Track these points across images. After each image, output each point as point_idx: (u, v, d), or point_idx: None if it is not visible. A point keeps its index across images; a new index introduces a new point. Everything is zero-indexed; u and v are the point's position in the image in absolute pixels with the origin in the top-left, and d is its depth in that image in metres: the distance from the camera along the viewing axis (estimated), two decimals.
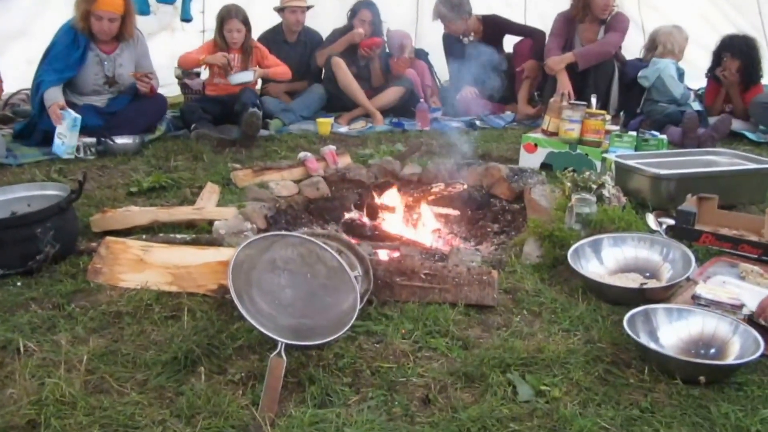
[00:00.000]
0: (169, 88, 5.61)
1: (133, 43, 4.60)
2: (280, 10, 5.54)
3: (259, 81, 5.35)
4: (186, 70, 5.26)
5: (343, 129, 5.09)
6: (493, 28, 5.83)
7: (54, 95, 4.23)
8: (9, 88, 4.95)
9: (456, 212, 3.44)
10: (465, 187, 3.48)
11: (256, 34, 5.24)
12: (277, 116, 5.11)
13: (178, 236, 2.66)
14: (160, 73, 5.02)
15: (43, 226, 2.39)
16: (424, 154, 4.19)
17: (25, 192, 2.69)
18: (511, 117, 5.55)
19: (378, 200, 3.41)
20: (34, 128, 4.41)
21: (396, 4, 6.40)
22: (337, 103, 5.47)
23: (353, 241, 2.55)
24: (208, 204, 3.10)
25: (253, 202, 3.17)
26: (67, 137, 3.98)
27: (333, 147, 3.95)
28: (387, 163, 3.74)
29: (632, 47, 5.67)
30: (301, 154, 3.76)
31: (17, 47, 5.29)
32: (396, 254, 2.73)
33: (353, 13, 5.63)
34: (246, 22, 4.97)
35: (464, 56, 5.68)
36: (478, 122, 5.42)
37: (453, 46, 5.85)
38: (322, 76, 5.57)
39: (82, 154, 4.08)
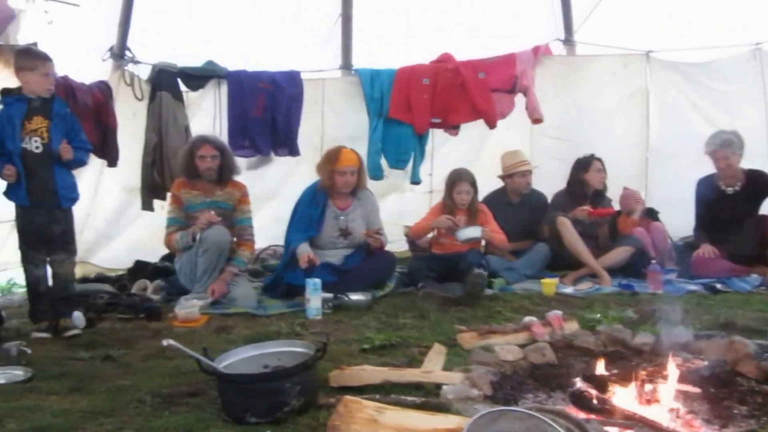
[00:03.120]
0: (397, 244, 5.99)
1: (364, 199, 5.10)
2: (508, 176, 5.76)
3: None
4: (417, 239, 5.60)
5: (569, 290, 5.04)
6: (757, 184, 5.31)
7: (303, 248, 4.84)
8: (260, 244, 5.59)
9: (695, 389, 3.19)
10: (705, 362, 3.25)
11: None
12: (501, 275, 5.21)
13: (409, 398, 2.75)
14: (389, 230, 5.41)
15: (291, 381, 2.61)
16: (656, 321, 4.00)
17: (275, 348, 2.98)
18: (758, 281, 5.08)
19: (607, 371, 3.28)
20: (279, 282, 4.94)
21: (627, 158, 6.41)
22: (562, 261, 5.45)
23: (582, 416, 2.46)
24: (435, 366, 3.19)
25: (479, 366, 3.20)
26: (311, 300, 4.35)
27: (559, 312, 3.91)
28: (616, 331, 3.61)
29: None
30: (526, 319, 3.78)
31: (268, 208, 5.99)
32: None
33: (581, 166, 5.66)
34: (474, 185, 5.25)
35: (720, 206, 5.30)
36: (718, 285, 5.00)
37: (710, 191, 5.36)
38: (546, 235, 5.62)
39: (321, 309, 4.42)
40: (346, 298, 4.52)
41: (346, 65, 6.57)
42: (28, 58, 4.05)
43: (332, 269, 4.85)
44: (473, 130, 6.28)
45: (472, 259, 4.82)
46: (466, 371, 3.08)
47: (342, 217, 5.03)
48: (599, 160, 5.65)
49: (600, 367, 3.31)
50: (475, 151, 6.52)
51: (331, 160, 5.00)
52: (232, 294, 4.68)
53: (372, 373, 3.00)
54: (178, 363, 3.33)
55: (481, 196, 5.47)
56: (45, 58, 4.06)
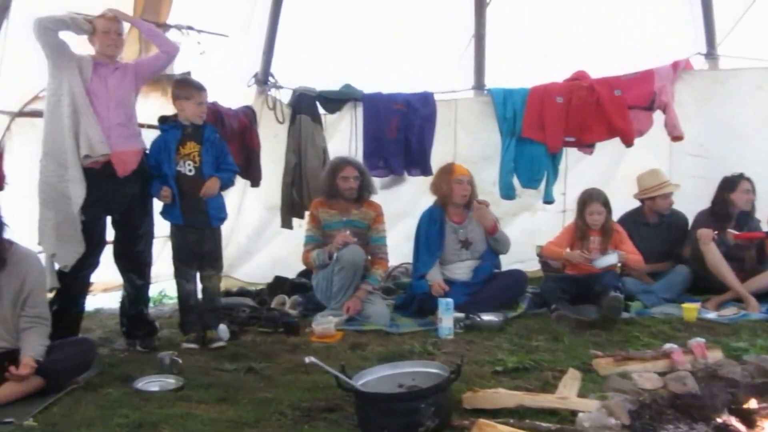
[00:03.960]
0: (528, 264, 5.93)
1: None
2: (648, 198, 5.58)
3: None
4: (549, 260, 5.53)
5: (712, 315, 4.78)
6: None
7: (434, 275, 4.97)
8: (392, 262, 5.70)
9: None
10: None
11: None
12: (638, 298, 5.05)
13: (543, 424, 2.73)
14: (521, 250, 5.36)
15: (427, 402, 2.67)
16: None
17: (410, 368, 3.06)
18: None
19: (756, 405, 3.10)
20: (411, 300, 5.03)
21: None
22: (704, 285, 5.19)
23: None
24: (569, 392, 3.15)
25: (616, 393, 3.12)
26: (443, 320, 4.39)
27: (701, 340, 3.74)
28: (765, 362, 3.41)
29: None
30: (667, 346, 3.64)
31: (401, 226, 6.10)
32: None
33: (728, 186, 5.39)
34: (606, 205, 5.11)
35: None
36: None
37: None
38: (687, 256, 5.37)
39: (453, 329, 4.45)
40: (478, 319, 4.53)
41: (479, 85, 6.60)
42: (186, 88, 4.37)
43: (463, 288, 4.89)
44: (608, 148, 6.11)
45: (607, 281, 4.69)
46: (602, 398, 3.02)
47: (460, 230, 5.13)
48: (748, 180, 5.34)
49: (748, 400, 3.15)
50: (611, 170, 6.34)
51: (446, 172, 5.21)
52: (366, 311, 4.81)
53: (506, 396, 3.00)
54: (316, 378, 3.47)
55: (616, 215, 5.32)
56: (200, 88, 4.37)
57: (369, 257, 5.04)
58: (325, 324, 4.50)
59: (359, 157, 6.03)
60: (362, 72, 6.28)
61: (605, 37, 6.26)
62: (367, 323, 4.71)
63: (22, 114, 4.64)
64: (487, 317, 4.56)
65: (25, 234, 3.81)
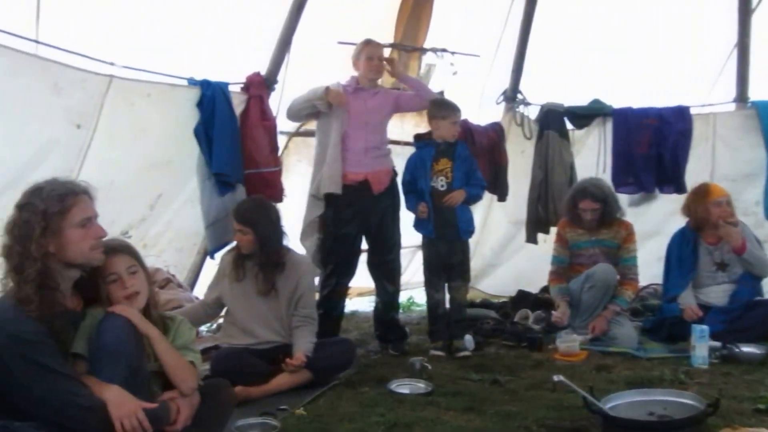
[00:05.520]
0: None
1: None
2: None
3: None
4: None
5: None
6: None
7: (687, 299, 4.69)
8: (642, 282, 5.47)
9: None
10: None
11: None
12: None
13: None
14: None
15: None
16: None
17: (662, 396, 2.95)
18: None
19: None
20: (661, 324, 4.80)
21: None
22: None
23: None
24: None
25: None
26: (697, 348, 4.15)
27: None
28: None
29: None
30: None
31: (650, 245, 5.82)
32: None
33: None
34: None
35: None
36: None
37: None
38: None
39: (708, 359, 4.18)
40: (737, 349, 4.19)
41: (742, 98, 6.10)
42: (442, 108, 4.62)
43: (720, 316, 4.56)
44: None
45: None
46: None
47: (716, 251, 4.77)
48: None
49: None
50: None
51: (701, 195, 4.83)
52: (613, 332, 4.68)
53: None
54: (560, 396, 3.46)
55: None
56: (456, 109, 4.61)
57: (618, 277, 4.90)
58: (569, 342, 4.47)
59: (608, 173, 5.90)
60: (612, 87, 6.12)
61: None
62: (613, 345, 4.58)
63: (297, 134, 5.24)
64: (747, 348, 4.20)
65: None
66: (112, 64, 3.98)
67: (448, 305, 4.68)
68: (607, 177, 5.82)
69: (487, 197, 5.82)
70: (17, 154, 3.58)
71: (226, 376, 3.08)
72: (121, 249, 2.58)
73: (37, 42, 3.65)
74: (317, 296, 4.39)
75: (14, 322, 2.22)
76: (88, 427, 2.25)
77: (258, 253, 3.87)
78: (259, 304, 3.89)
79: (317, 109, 4.51)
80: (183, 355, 2.58)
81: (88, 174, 3.65)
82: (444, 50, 5.64)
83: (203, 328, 4.83)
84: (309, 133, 5.02)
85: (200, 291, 4.72)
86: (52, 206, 2.32)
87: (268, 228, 3.89)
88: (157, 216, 4.59)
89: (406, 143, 5.08)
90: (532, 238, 6.05)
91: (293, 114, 4.64)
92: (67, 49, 3.76)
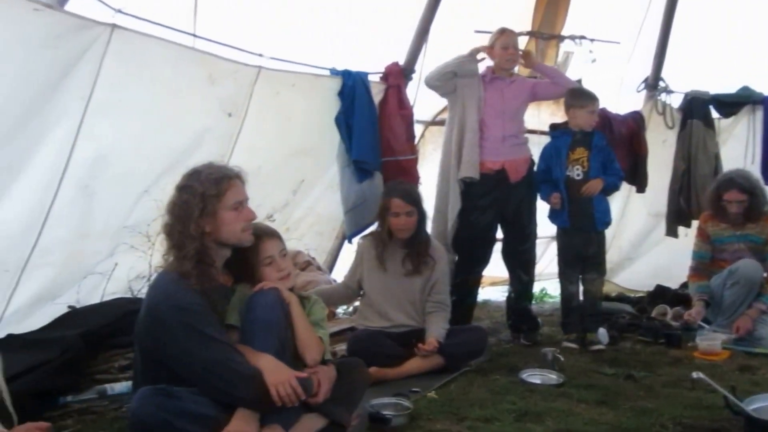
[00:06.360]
0: None
1: None
2: None
3: None
4: None
5: None
6: None
7: None
8: None
9: None
10: None
11: None
12: None
13: None
14: None
15: None
16: None
17: None
18: None
19: None
20: None
21: None
22: None
23: None
24: None
25: None
26: None
27: None
28: None
29: None
30: None
31: None
32: None
33: None
34: None
35: None
36: None
37: None
38: None
39: None
40: None
41: None
42: (579, 97, 4.53)
43: None
44: None
45: None
46: None
47: None
48: None
49: None
50: None
51: None
52: (759, 333, 4.43)
53: None
54: (699, 395, 3.34)
55: None
56: (593, 98, 4.50)
57: (765, 275, 4.62)
58: (710, 340, 4.28)
59: (756, 164, 5.59)
60: (762, 72, 5.76)
61: None
62: (759, 346, 4.34)
63: (433, 123, 5.31)
64: None
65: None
66: (260, 55, 4.18)
67: (582, 298, 4.61)
68: (755, 169, 5.54)
69: (626, 188, 5.65)
70: (176, 141, 3.87)
71: (362, 356, 3.20)
72: (274, 234, 2.79)
73: (194, 36, 3.91)
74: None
75: (178, 293, 2.44)
76: (245, 392, 2.43)
77: (414, 235, 3.97)
78: (396, 289, 3.99)
79: (457, 75, 4.52)
80: (315, 331, 2.74)
81: (237, 160, 3.86)
82: (582, 37, 5.51)
83: (340, 310, 5.02)
84: (444, 123, 5.08)
85: (337, 274, 4.93)
86: (210, 189, 2.53)
87: (423, 210, 4.02)
88: (300, 201, 4.81)
89: (542, 132, 5.03)
90: (672, 232, 5.83)
91: (432, 80, 4.60)
92: (220, 42, 4.00)
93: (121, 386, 3.23)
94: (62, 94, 3.29)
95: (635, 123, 5.67)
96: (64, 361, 3.13)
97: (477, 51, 4.52)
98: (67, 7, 3.29)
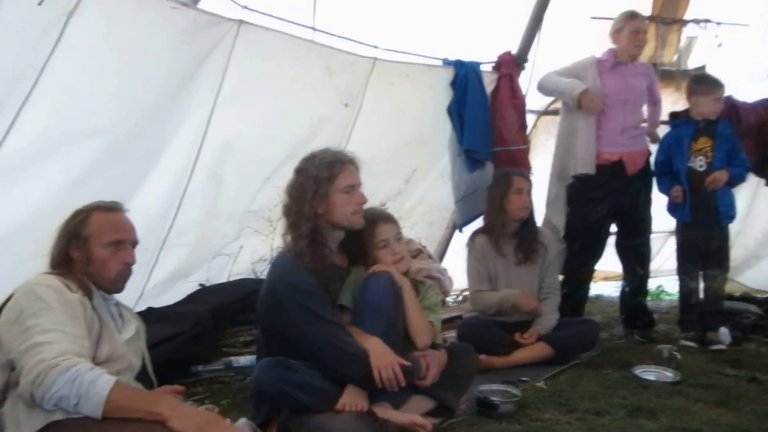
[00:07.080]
0: None
1: None
2: None
3: None
4: None
5: None
6: None
7: None
8: None
9: None
10: None
11: None
12: None
13: None
14: None
15: None
16: None
17: None
18: None
19: None
20: None
21: None
22: None
23: None
24: None
25: None
26: None
27: None
28: None
29: None
30: None
31: None
32: None
33: None
34: None
35: None
36: None
37: None
38: None
39: None
40: None
41: None
42: (703, 84, 4.35)
43: None
44: None
45: None
46: None
47: None
48: None
49: None
50: None
51: None
52: None
53: None
54: None
55: None
56: (719, 85, 4.30)
57: None
58: None
59: None
60: None
61: None
62: None
63: (546, 113, 5.23)
64: None
65: None
66: (375, 47, 4.27)
67: (702, 295, 4.42)
68: None
69: (753, 181, 5.34)
70: (296, 131, 4.04)
71: (472, 343, 3.23)
72: (390, 218, 2.89)
73: (314, 29, 4.05)
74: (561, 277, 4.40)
75: (292, 272, 2.59)
76: (350, 371, 2.55)
77: (527, 220, 4.00)
78: (510, 278, 4.00)
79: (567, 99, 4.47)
80: (426, 315, 2.81)
81: (352, 149, 3.85)
82: (707, 21, 5.25)
83: (449, 298, 5.07)
84: (558, 112, 4.99)
85: (447, 263, 4.97)
86: (322, 172, 2.65)
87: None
88: (412, 190, 4.89)
89: (662, 122, 4.84)
90: None
91: (544, 90, 4.62)
92: (338, 34, 4.12)
93: (246, 359, 3.48)
94: (197, 86, 3.54)
95: (765, 111, 5.34)
96: (196, 334, 3.40)
97: (580, 100, 4.33)
98: (199, 5, 3.51)
